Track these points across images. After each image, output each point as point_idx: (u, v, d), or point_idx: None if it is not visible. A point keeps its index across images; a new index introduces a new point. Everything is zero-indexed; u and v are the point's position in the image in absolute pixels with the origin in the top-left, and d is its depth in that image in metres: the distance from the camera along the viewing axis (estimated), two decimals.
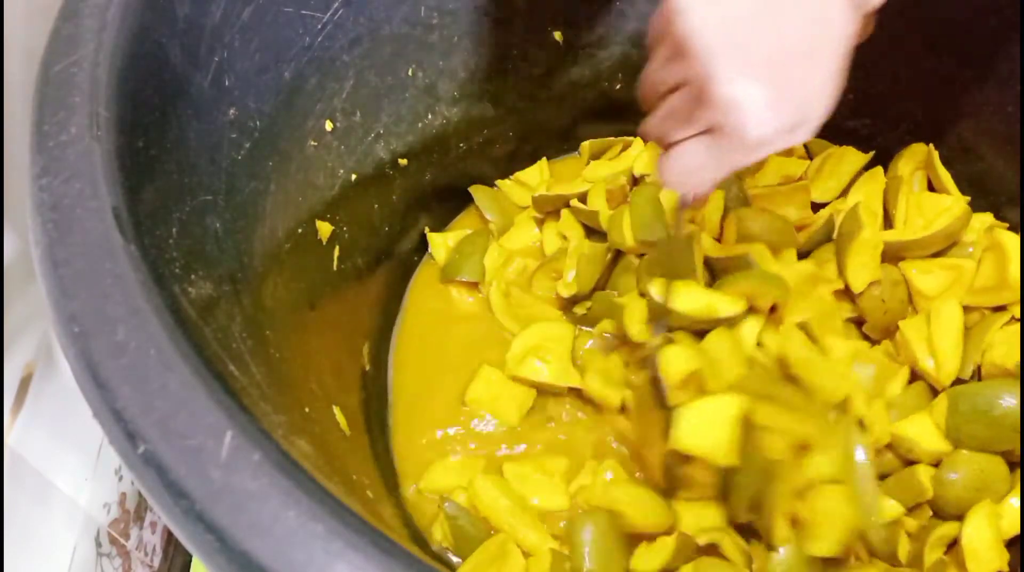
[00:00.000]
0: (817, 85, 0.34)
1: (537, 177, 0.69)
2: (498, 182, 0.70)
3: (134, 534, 0.56)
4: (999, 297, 0.52)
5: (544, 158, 0.70)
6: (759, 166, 0.65)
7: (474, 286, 0.64)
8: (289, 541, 0.23)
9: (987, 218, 0.57)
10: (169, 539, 0.60)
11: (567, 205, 0.64)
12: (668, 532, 0.48)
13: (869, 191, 0.59)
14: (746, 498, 0.46)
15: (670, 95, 0.38)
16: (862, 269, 0.55)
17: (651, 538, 0.48)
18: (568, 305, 0.61)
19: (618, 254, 0.61)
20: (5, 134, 0.43)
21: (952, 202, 0.56)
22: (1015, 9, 0.51)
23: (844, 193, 0.61)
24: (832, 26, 0.33)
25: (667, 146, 0.38)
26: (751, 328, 0.52)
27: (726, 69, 0.32)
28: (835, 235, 0.58)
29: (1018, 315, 0.52)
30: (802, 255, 0.58)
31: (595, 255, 0.60)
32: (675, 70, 0.36)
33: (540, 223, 0.67)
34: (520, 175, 0.70)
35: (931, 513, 0.49)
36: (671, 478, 0.49)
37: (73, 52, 0.33)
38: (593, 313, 0.60)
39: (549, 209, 0.66)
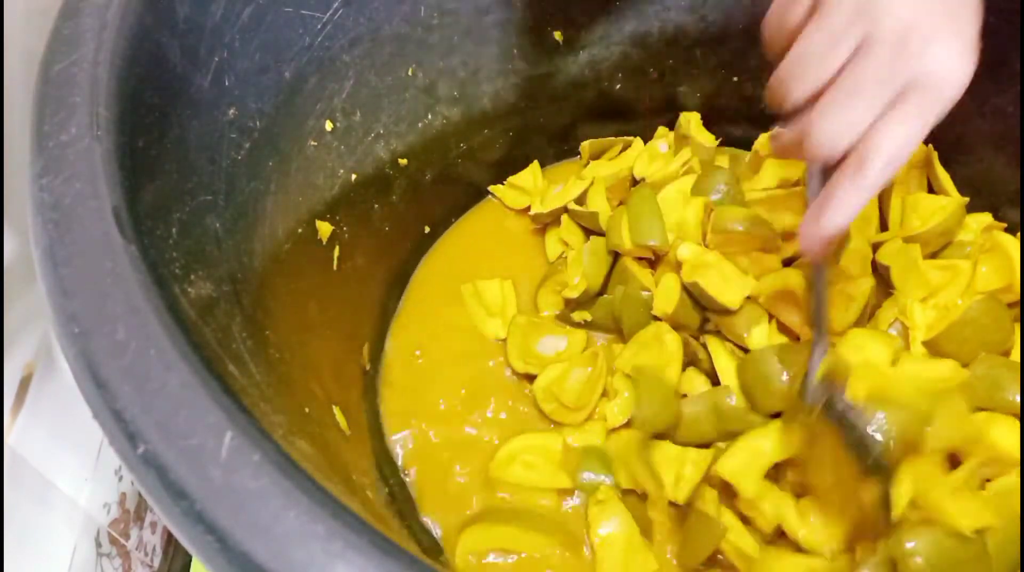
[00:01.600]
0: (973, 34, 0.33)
1: (530, 182, 0.69)
2: (491, 188, 0.70)
3: (134, 534, 0.56)
4: (1004, 300, 0.52)
5: (536, 161, 0.70)
6: (755, 169, 0.65)
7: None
8: (289, 541, 0.23)
9: (985, 218, 0.57)
10: (169, 539, 0.60)
11: (565, 209, 0.65)
12: None
13: None
14: None
15: (802, 36, 0.35)
16: None
17: None
18: (569, 314, 0.61)
19: (615, 258, 0.61)
20: (5, 134, 0.43)
21: (947, 201, 0.56)
22: (1015, 9, 0.51)
23: None
24: None
25: (802, 99, 0.35)
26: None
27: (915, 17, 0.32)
28: None
29: None
30: (791, 260, 0.58)
31: (600, 250, 0.60)
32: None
33: (541, 231, 0.67)
34: (514, 179, 0.70)
35: None
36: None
37: (73, 52, 0.33)
38: (595, 320, 0.60)
39: (548, 220, 0.67)
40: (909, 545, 0.42)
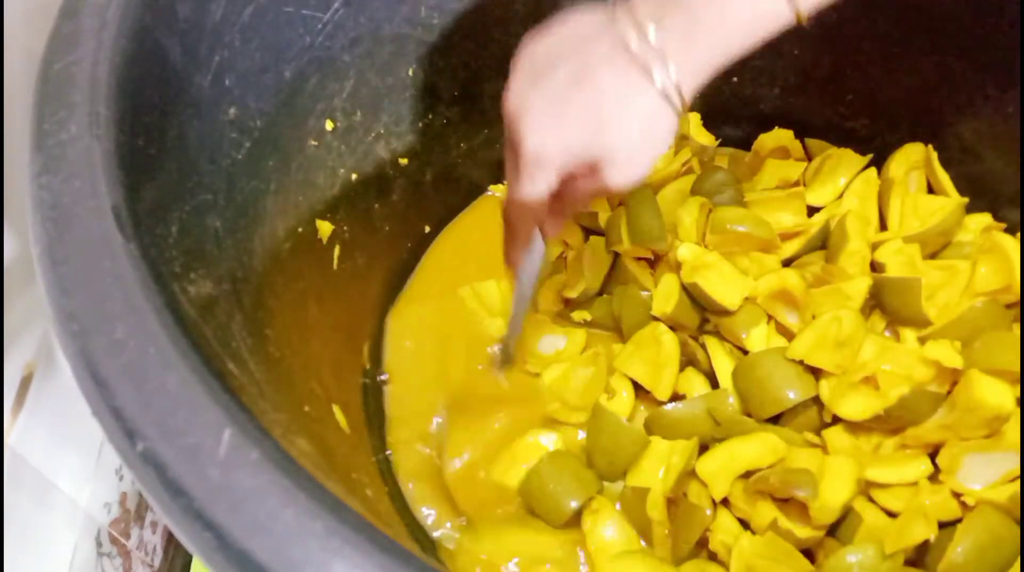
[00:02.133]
0: (611, 146, 0.38)
1: None
2: (491, 187, 0.70)
3: (135, 534, 0.56)
4: (1003, 300, 0.52)
5: None
6: (755, 169, 0.65)
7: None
8: (287, 539, 0.23)
9: (984, 218, 0.56)
10: (170, 539, 0.60)
11: None
12: None
13: (863, 195, 0.59)
14: None
15: None
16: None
17: None
18: (568, 313, 0.61)
19: (615, 258, 0.61)
20: (5, 133, 0.43)
21: (946, 202, 0.56)
22: (1015, 9, 0.51)
23: (842, 196, 0.61)
24: (636, 110, 0.37)
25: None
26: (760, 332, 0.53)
27: (517, 96, 0.39)
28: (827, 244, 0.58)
29: None
30: (791, 261, 0.58)
31: (600, 250, 0.60)
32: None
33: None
34: None
35: None
36: None
37: (73, 51, 0.33)
38: (595, 319, 0.60)
39: None
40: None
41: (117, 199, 0.30)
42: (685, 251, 0.55)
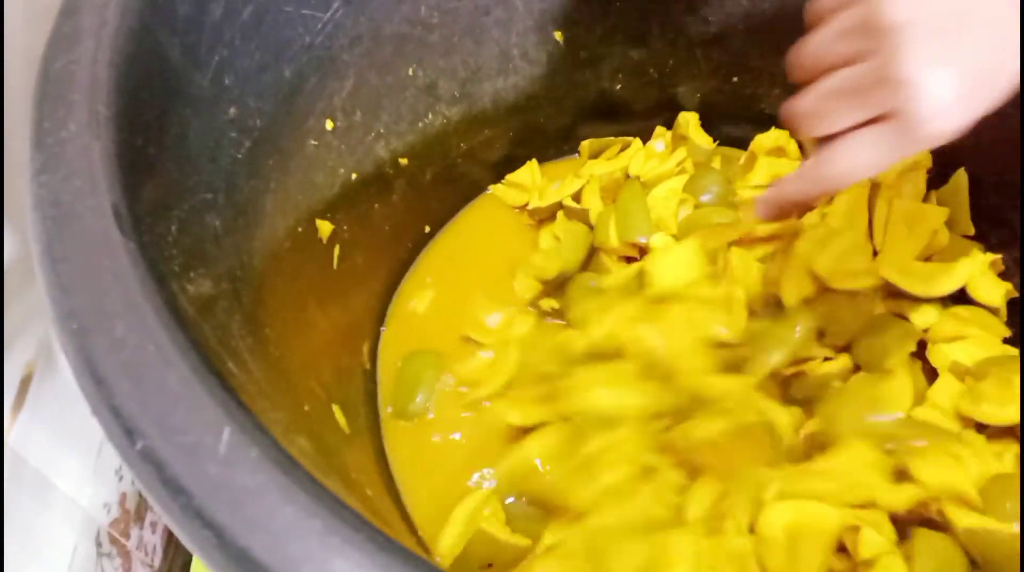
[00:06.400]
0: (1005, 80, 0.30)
1: (528, 179, 0.69)
2: (491, 187, 0.70)
3: (134, 534, 0.56)
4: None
5: (534, 159, 0.70)
6: (748, 167, 0.65)
7: None
8: (286, 537, 0.23)
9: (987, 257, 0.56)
10: (170, 539, 0.60)
11: (561, 205, 0.65)
12: None
13: (854, 195, 0.59)
14: None
15: (837, 71, 0.33)
16: None
17: None
18: (538, 301, 0.61)
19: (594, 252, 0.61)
20: (5, 132, 0.43)
21: (935, 210, 0.56)
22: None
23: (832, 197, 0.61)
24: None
25: (820, 135, 0.34)
26: None
27: (919, 50, 0.29)
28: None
29: None
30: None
31: (580, 235, 0.60)
32: (850, 43, 0.32)
33: (536, 227, 0.67)
34: (512, 177, 0.70)
35: None
36: None
37: (73, 49, 0.33)
38: (563, 308, 0.59)
39: (544, 216, 0.67)
40: None
41: (116, 197, 0.30)
42: (657, 240, 0.55)
